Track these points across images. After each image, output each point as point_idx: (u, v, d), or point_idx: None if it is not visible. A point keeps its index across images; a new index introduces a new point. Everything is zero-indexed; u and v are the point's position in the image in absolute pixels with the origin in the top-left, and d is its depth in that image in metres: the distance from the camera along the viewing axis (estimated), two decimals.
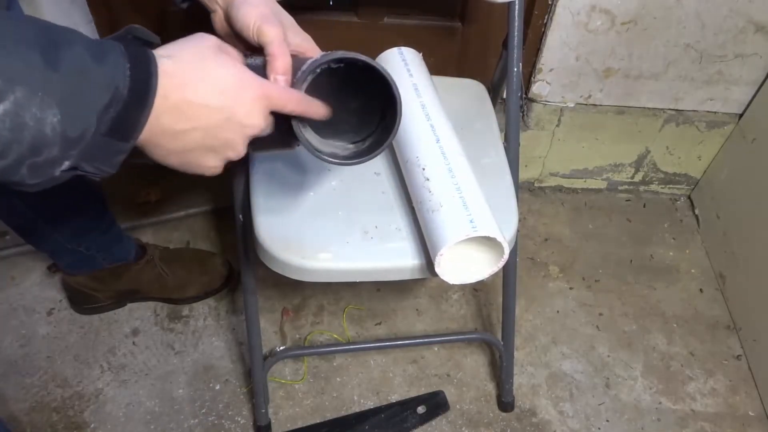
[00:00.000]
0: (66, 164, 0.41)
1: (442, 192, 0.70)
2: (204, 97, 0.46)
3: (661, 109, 1.32)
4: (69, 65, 0.39)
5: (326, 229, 0.76)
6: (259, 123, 0.50)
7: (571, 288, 1.33)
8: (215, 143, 0.48)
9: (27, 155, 0.39)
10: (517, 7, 0.84)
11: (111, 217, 1.09)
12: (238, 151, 0.51)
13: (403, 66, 0.85)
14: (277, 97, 0.50)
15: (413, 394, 1.16)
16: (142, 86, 0.42)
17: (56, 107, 0.38)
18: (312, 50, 0.62)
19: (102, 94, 0.40)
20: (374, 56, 0.88)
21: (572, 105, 1.31)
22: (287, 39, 0.57)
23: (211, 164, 0.51)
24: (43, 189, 0.42)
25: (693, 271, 1.38)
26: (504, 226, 0.71)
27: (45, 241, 1.04)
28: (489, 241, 0.68)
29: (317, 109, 0.54)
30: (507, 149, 0.90)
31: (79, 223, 1.03)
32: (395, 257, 0.75)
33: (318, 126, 0.58)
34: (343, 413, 1.13)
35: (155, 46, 0.45)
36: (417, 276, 0.76)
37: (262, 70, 0.54)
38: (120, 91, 0.41)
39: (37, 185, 0.41)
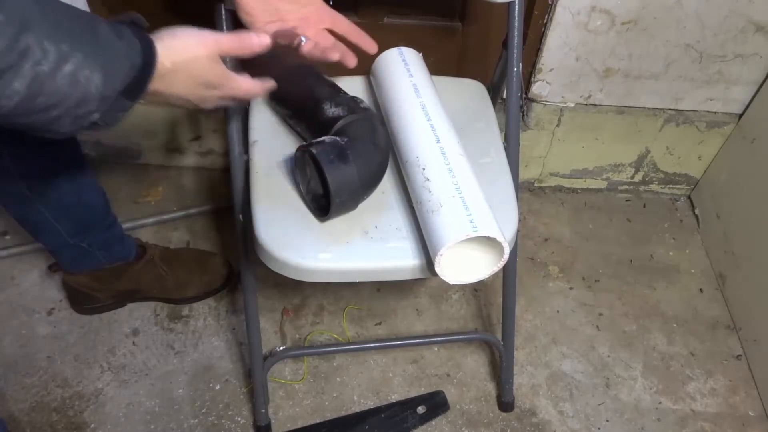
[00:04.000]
0: (95, 116, 0.52)
1: (442, 192, 0.70)
2: (180, 83, 0.60)
3: (661, 109, 1.32)
4: (104, 39, 0.51)
5: (326, 228, 0.76)
6: (216, 66, 0.62)
7: (571, 288, 1.33)
8: (201, 82, 0.61)
9: (73, 107, 0.50)
10: (517, 7, 0.84)
11: (113, 215, 1.10)
12: (225, 83, 0.63)
13: (403, 66, 0.85)
14: (224, 43, 0.62)
15: (413, 394, 1.16)
16: (150, 59, 0.54)
17: (100, 71, 0.50)
18: (302, 20, 0.75)
19: (124, 63, 0.52)
20: (374, 56, 0.88)
21: (572, 105, 1.31)
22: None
23: (209, 95, 0.63)
24: (67, 137, 0.55)
25: (693, 271, 1.38)
26: (504, 226, 0.71)
27: (48, 236, 1.05)
28: (489, 241, 0.68)
29: (250, 40, 0.65)
30: (507, 149, 0.90)
31: (83, 218, 1.04)
32: (395, 257, 0.75)
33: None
34: (343, 413, 1.13)
35: (145, 28, 0.58)
36: (417, 276, 0.76)
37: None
38: (136, 62, 0.53)
39: (69, 133, 0.52)
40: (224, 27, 0.79)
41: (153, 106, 0.61)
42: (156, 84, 0.56)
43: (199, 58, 0.59)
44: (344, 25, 0.79)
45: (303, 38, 0.75)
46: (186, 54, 0.58)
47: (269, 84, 0.70)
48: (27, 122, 0.50)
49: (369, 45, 0.81)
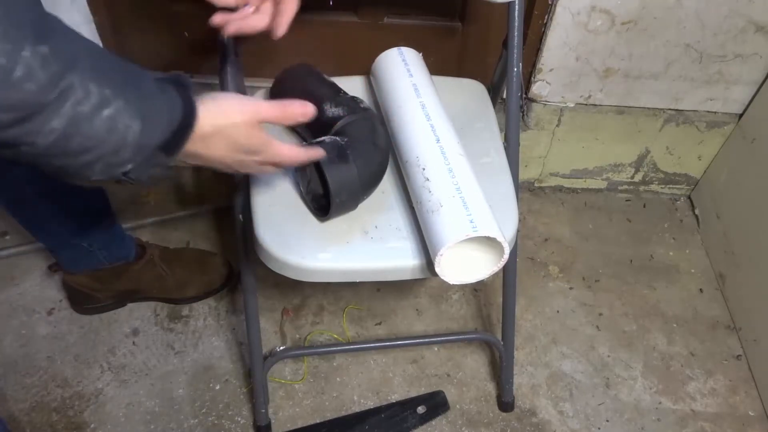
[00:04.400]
0: (128, 167, 0.52)
1: (442, 192, 0.70)
2: (218, 147, 0.60)
3: (661, 109, 1.32)
4: (147, 91, 0.51)
5: (326, 229, 0.76)
6: (255, 133, 0.62)
7: (571, 288, 1.33)
8: (240, 147, 0.61)
9: (107, 154, 0.49)
10: (517, 7, 0.84)
11: (114, 215, 1.10)
12: (267, 152, 0.64)
13: (403, 66, 0.85)
14: (264, 111, 0.62)
15: (413, 394, 1.16)
16: (189, 118, 0.55)
17: (139, 120, 0.49)
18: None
19: (164, 118, 0.52)
20: (374, 56, 0.88)
21: (572, 105, 1.31)
22: None
23: (248, 161, 0.63)
24: (96, 185, 0.54)
25: (693, 271, 1.38)
26: (504, 226, 0.71)
27: (49, 235, 1.05)
28: (489, 241, 0.68)
29: (293, 110, 0.65)
30: (507, 149, 0.90)
31: (85, 218, 1.04)
32: (395, 257, 0.75)
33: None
34: (343, 413, 1.13)
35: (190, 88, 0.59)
36: (417, 276, 0.76)
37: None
38: (175, 118, 0.53)
39: (98, 180, 0.52)
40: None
41: (191, 167, 0.60)
42: (194, 145, 0.56)
43: (238, 124, 0.59)
44: None
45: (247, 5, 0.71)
46: (225, 119, 0.59)
47: (317, 152, 0.70)
48: (60, 164, 0.49)
49: (279, 27, 0.71)
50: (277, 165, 0.67)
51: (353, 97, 0.81)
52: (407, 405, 1.14)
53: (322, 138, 0.74)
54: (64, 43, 0.45)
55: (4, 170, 0.91)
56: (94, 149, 0.48)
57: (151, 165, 0.53)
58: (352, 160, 0.72)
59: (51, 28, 0.45)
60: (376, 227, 0.77)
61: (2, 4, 0.41)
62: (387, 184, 0.82)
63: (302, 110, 0.64)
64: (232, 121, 0.59)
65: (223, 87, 0.77)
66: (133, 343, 1.19)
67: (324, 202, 0.76)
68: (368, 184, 0.76)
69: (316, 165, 0.73)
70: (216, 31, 0.72)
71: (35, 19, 0.43)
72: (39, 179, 0.93)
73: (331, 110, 0.78)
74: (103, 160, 0.49)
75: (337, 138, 0.74)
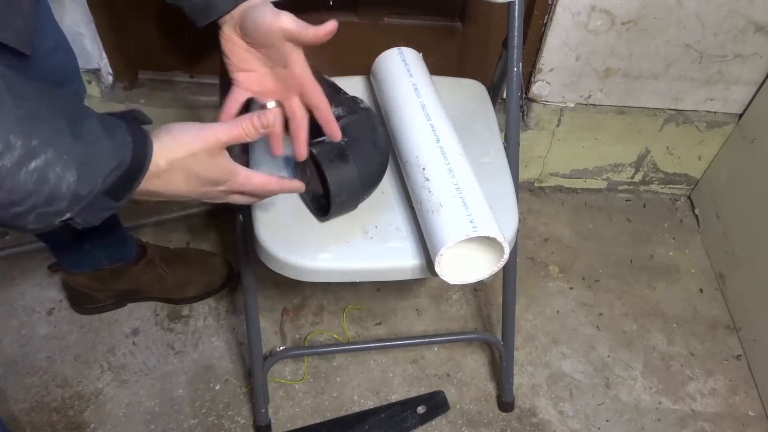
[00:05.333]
0: (67, 215, 0.48)
1: (442, 192, 0.70)
2: (179, 181, 0.56)
3: (661, 109, 1.32)
4: (87, 136, 0.48)
5: (326, 229, 0.76)
6: (217, 161, 0.58)
7: (571, 288, 1.33)
8: (202, 179, 0.58)
9: (40, 205, 0.46)
10: (517, 7, 0.84)
11: (116, 216, 1.10)
12: (234, 181, 0.60)
13: (403, 66, 0.85)
14: (222, 134, 0.58)
15: (413, 394, 1.16)
16: (140, 160, 0.52)
17: (74, 169, 0.46)
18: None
19: (110, 162, 0.49)
20: (374, 56, 0.88)
21: (572, 105, 1.31)
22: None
23: (213, 193, 0.60)
24: (36, 233, 0.51)
25: (693, 271, 1.38)
26: (504, 226, 0.71)
27: (51, 235, 1.05)
28: (489, 241, 0.68)
29: (248, 126, 0.60)
30: (507, 149, 0.90)
31: None
32: (395, 257, 0.75)
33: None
34: (343, 413, 1.13)
35: (148, 123, 0.56)
36: (417, 276, 0.76)
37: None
38: (124, 161, 0.50)
39: (35, 230, 0.48)
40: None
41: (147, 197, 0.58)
42: (150, 183, 0.54)
43: (196, 154, 0.56)
44: (315, 98, 0.69)
45: (272, 103, 0.70)
46: (181, 151, 0.55)
47: (294, 185, 0.67)
48: None
49: (333, 132, 0.70)
50: (249, 195, 0.63)
51: (353, 97, 0.81)
52: (407, 405, 1.14)
53: (322, 138, 0.74)
54: None
55: None
56: (21, 202, 0.45)
57: (98, 210, 0.51)
58: (352, 161, 0.72)
59: None
60: (376, 227, 0.77)
61: None
62: (387, 184, 0.82)
63: (258, 123, 0.59)
64: (190, 151, 0.55)
65: (222, 90, 0.77)
66: (133, 343, 1.19)
67: (324, 202, 0.76)
68: (368, 184, 0.76)
69: (316, 165, 0.73)
70: (216, 31, 0.72)
71: None
72: None
73: (333, 109, 0.78)
74: (35, 211, 0.46)
75: None
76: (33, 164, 0.44)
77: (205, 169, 0.57)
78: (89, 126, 0.48)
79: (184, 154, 0.55)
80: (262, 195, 0.65)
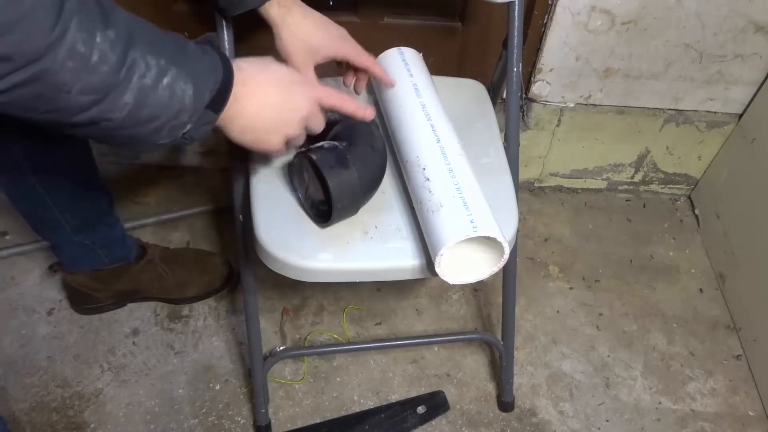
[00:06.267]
0: (188, 127, 0.56)
1: (442, 192, 0.70)
2: (266, 85, 0.64)
3: (661, 109, 1.32)
4: (192, 55, 0.55)
5: (326, 229, 0.76)
6: (306, 106, 0.67)
7: (571, 288, 1.33)
8: (277, 121, 0.65)
9: (171, 118, 0.54)
10: (517, 7, 0.84)
11: (116, 214, 1.10)
12: (294, 128, 0.67)
13: (403, 66, 0.85)
14: (320, 92, 0.68)
15: (413, 394, 1.16)
16: (228, 74, 0.58)
17: (191, 83, 0.54)
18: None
19: (209, 78, 0.56)
20: (374, 56, 0.88)
21: (572, 105, 1.31)
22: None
23: (274, 140, 0.66)
24: (159, 149, 0.58)
25: (693, 271, 1.39)
26: (504, 226, 0.71)
27: (52, 232, 1.05)
28: (489, 241, 0.68)
29: (349, 104, 0.71)
30: (507, 149, 0.90)
31: (88, 214, 1.04)
32: (395, 257, 0.75)
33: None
34: (343, 413, 1.13)
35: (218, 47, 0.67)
36: (417, 276, 0.76)
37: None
38: (218, 76, 0.57)
39: (163, 145, 0.56)
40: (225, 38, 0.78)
41: (226, 137, 0.63)
42: (240, 88, 0.59)
43: (273, 63, 0.65)
44: (365, 59, 0.79)
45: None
46: (264, 62, 0.64)
47: (369, 112, 0.74)
48: (131, 134, 0.53)
49: (387, 80, 0.82)
50: (314, 127, 0.70)
51: None
52: (407, 405, 1.14)
53: (321, 143, 0.73)
54: (121, 24, 0.49)
55: (11, 166, 0.91)
56: (160, 116, 0.53)
57: (203, 123, 0.57)
58: (352, 165, 0.71)
59: (110, 11, 0.49)
60: (376, 227, 0.77)
61: None
62: (387, 184, 0.82)
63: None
64: (271, 62, 0.65)
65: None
66: (133, 343, 1.19)
67: (324, 208, 0.75)
68: (368, 188, 0.75)
69: (316, 171, 0.72)
70: (214, 26, 0.74)
71: (98, 6, 0.48)
72: (47, 173, 0.93)
73: (327, 113, 0.78)
74: (168, 125, 0.54)
75: (336, 143, 0.73)
76: (165, 80, 0.52)
77: (288, 73, 0.66)
78: (191, 48, 0.56)
79: (266, 64, 0.65)
80: (341, 108, 0.71)
